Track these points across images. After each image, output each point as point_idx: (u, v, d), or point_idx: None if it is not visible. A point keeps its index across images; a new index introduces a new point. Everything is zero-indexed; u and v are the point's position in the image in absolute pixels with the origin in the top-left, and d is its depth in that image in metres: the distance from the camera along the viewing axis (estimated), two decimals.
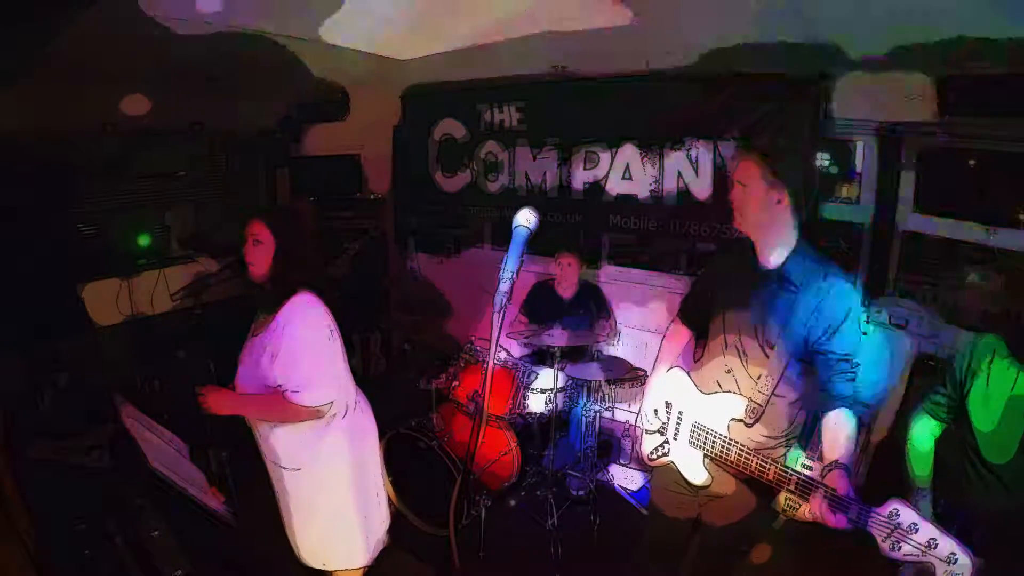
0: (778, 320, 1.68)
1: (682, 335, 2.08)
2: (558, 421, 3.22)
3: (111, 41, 2.60)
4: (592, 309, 3.66)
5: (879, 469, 2.96)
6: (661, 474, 2.00)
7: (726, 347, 1.79)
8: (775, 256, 1.72)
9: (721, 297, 1.85)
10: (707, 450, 1.77)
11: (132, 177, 3.95)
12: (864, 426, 3.06)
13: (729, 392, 1.77)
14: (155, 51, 2.87)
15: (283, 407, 1.82)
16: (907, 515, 1.31)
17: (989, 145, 2.67)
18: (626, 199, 3.82)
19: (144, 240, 3.99)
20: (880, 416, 3.03)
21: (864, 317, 3.06)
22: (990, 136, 2.61)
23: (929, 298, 2.97)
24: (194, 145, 4.23)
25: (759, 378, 1.71)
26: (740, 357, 1.76)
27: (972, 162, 2.81)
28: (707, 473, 1.80)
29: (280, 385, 1.81)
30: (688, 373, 1.91)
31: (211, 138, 4.29)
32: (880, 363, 3.03)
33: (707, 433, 1.77)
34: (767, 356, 1.70)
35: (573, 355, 3.39)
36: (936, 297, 2.95)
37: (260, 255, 1.85)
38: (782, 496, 1.87)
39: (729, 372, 1.78)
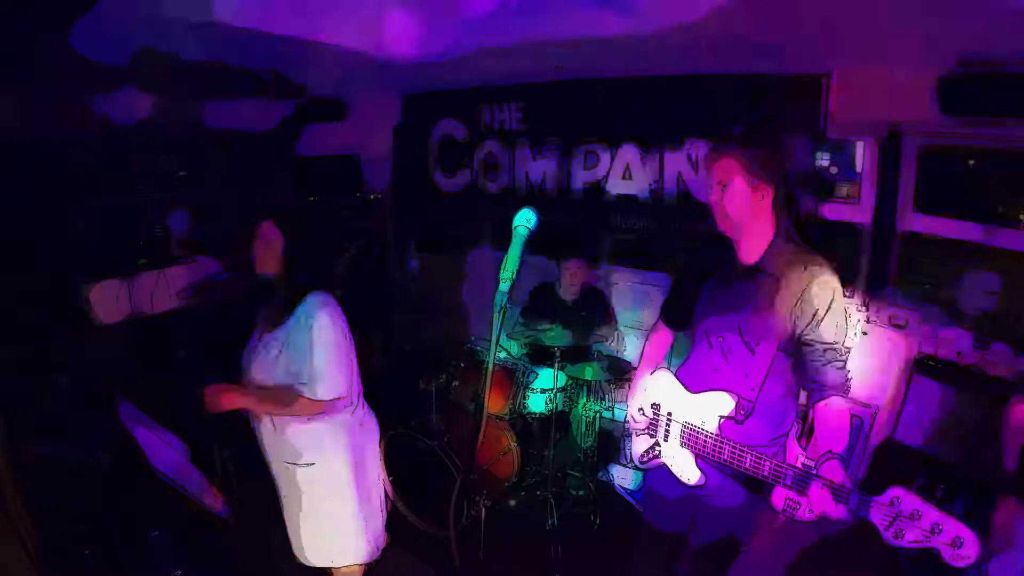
0: (761, 315, 1.66)
1: (665, 337, 2.08)
2: (558, 421, 3.21)
3: (112, 41, 2.61)
4: (594, 312, 3.62)
5: (879, 469, 2.96)
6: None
7: (711, 347, 1.78)
8: (755, 251, 1.71)
9: (702, 296, 1.83)
10: (699, 449, 1.75)
11: (132, 177, 3.95)
12: (864, 427, 3.06)
13: (717, 390, 1.74)
14: (156, 50, 2.88)
15: (293, 400, 1.85)
16: (909, 502, 1.29)
17: (989, 145, 2.67)
18: (626, 199, 3.82)
19: (144, 240, 3.99)
20: (880, 417, 3.03)
21: (863, 317, 3.06)
22: (990, 136, 2.61)
23: (929, 298, 2.97)
24: (194, 145, 4.23)
25: (747, 375, 1.69)
26: (725, 355, 1.74)
27: (972, 162, 2.81)
28: (700, 472, 1.79)
29: (293, 378, 1.85)
30: (674, 373, 1.89)
31: (211, 138, 4.29)
32: (880, 363, 3.03)
33: (698, 432, 1.76)
34: (753, 352, 1.68)
35: (573, 355, 3.39)
36: (936, 297, 2.95)
37: (269, 254, 1.90)
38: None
39: (716, 371, 1.76)
